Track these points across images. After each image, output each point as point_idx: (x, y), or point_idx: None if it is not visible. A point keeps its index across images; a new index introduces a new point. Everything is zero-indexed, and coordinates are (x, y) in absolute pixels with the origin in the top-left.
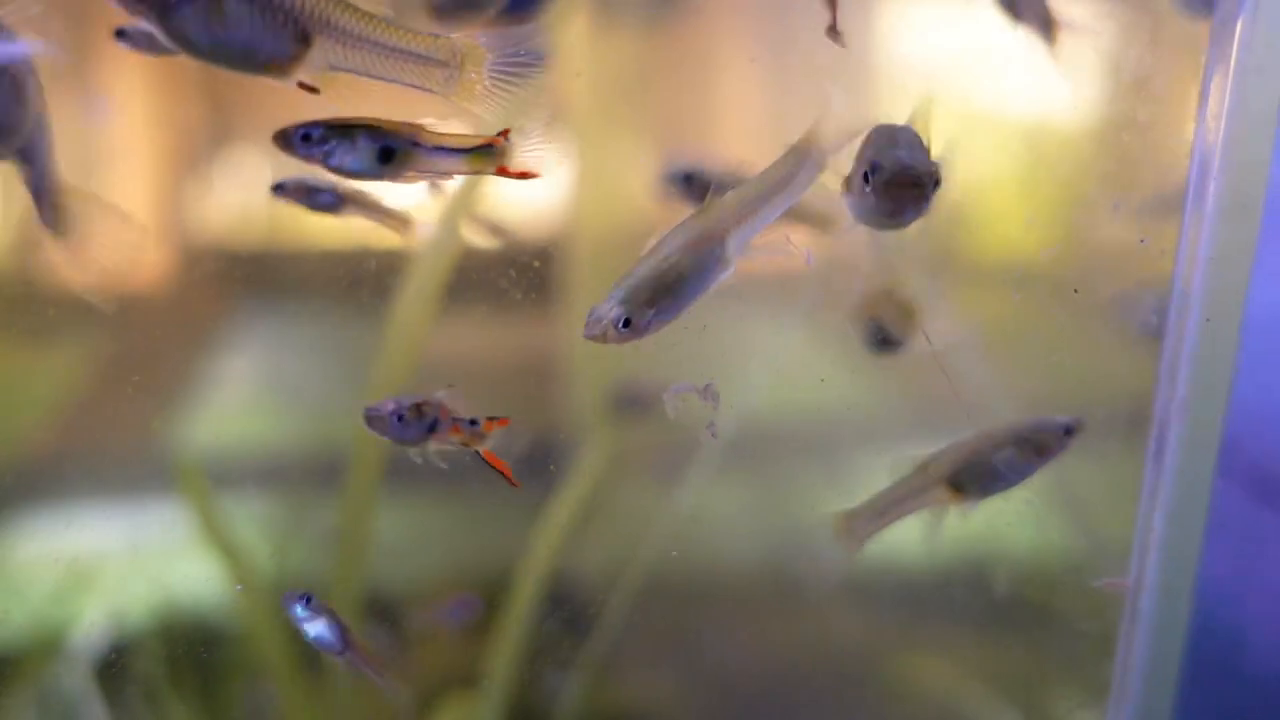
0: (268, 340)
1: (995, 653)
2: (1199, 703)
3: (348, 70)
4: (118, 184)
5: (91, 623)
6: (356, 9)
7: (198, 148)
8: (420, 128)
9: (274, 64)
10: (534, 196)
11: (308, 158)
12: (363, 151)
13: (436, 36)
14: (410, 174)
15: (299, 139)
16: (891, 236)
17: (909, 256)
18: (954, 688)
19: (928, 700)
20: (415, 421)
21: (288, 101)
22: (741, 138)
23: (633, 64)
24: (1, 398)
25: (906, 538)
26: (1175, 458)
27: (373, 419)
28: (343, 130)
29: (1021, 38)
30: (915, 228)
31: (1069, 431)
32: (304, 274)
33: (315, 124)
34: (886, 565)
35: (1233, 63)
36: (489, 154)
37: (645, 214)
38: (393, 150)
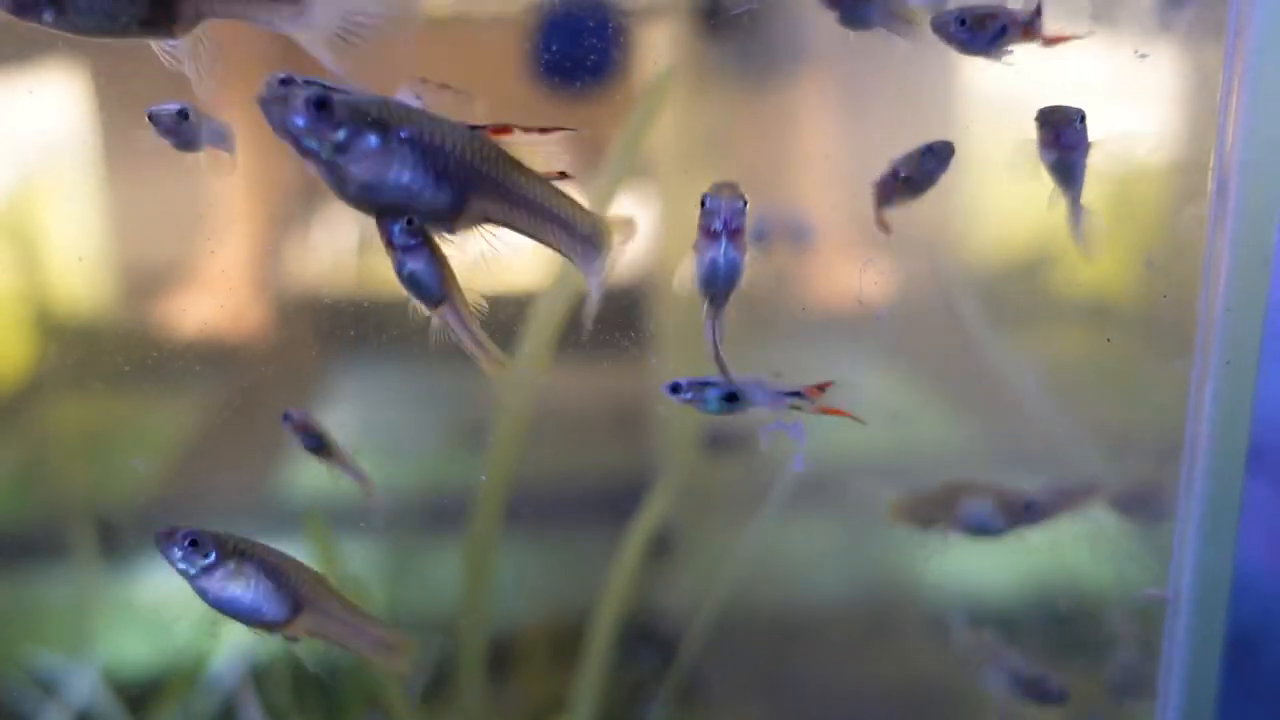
0: (368, 387)
1: (1063, 667)
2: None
3: (496, 223)
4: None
5: (225, 654)
6: (520, 165)
7: (296, 202)
8: None
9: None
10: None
11: None
12: None
13: (585, 210)
14: None
15: None
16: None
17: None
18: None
19: None
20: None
21: None
22: (820, 189)
23: (721, 122)
24: (119, 444)
25: (987, 569)
26: (1205, 479)
27: None
28: None
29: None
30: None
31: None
32: (400, 322)
33: None
34: (964, 595)
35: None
36: None
37: None
38: None
